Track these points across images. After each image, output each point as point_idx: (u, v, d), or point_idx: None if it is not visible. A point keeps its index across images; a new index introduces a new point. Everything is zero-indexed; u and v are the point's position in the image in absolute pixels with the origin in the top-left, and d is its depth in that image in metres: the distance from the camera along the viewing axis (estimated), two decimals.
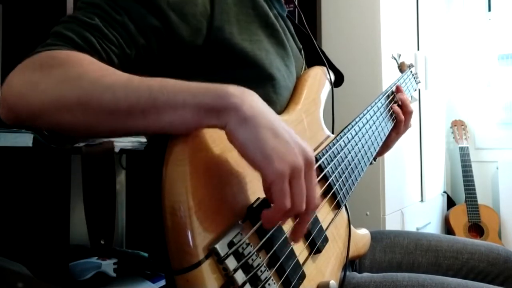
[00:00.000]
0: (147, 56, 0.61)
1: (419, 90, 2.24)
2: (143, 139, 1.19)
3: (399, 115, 1.01)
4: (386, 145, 1.04)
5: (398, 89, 1.05)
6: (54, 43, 0.53)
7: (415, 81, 1.22)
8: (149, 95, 0.48)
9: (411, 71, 1.20)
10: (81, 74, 0.49)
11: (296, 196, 0.48)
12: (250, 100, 0.49)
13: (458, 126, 2.79)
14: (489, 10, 2.87)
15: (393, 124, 1.01)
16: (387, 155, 1.85)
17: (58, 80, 0.49)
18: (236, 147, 0.48)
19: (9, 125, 0.94)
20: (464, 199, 2.65)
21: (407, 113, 1.03)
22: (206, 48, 0.64)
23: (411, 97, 1.17)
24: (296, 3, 1.93)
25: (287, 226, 0.58)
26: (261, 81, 0.69)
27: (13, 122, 0.52)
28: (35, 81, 0.49)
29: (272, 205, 0.49)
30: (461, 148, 2.71)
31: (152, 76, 0.50)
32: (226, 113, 0.47)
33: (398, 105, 1.03)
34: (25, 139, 0.93)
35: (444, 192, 2.75)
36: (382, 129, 0.96)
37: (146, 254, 1.38)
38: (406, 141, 2.07)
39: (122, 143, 1.16)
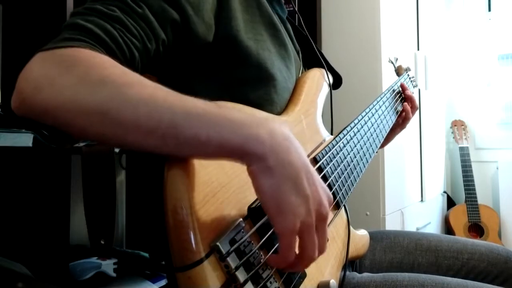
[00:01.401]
0: (163, 52, 0.59)
1: (419, 90, 2.24)
2: None
3: (408, 113, 1.08)
4: (388, 139, 1.10)
5: (403, 88, 1.11)
6: (75, 37, 0.50)
7: (412, 84, 1.23)
8: (171, 120, 0.45)
9: (408, 75, 1.21)
10: (103, 78, 0.45)
11: (307, 248, 0.49)
12: (279, 146, 0.47)
13: (458, 126, 2.79)
14: (489, 10, 2.87)
15: (395, 120, 1.06)
16: (387, 155, 1.85)
17: (78, 81, 0.45)
18: (253, 185, 0.48)
19: (9, 125, 0.94)
20: (464, 199, 2.65)
21: (414, 108, 1.10)
22: (213, 45, 0.64)
23: None
24: (296, 5, 1.93)
25: None
26: (263, 81, 0.69)
27: (25, 115, 0.48)
28: (53, 78, 0.46)
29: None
30: (461, 148, 2.71)
31: (157, 74, 0.49)
32: (250, 158, 0.47)
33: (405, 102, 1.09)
34: (25, 139, 0.93)
35: (444, 192, 2.75)
36: (380, 133, 0.96)
37: (146, 254, 1.38)
38: (406, 141, 2.07)
39: None
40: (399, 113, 1.09)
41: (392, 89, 1.08)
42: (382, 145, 1.11)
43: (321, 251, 0.52)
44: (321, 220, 0.50)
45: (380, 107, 0.99)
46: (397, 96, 1.09)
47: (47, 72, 0.46)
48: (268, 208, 0.47)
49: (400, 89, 1.11)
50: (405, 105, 1.08)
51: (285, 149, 0.48)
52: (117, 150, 1.14)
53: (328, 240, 0.70)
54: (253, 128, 0.47)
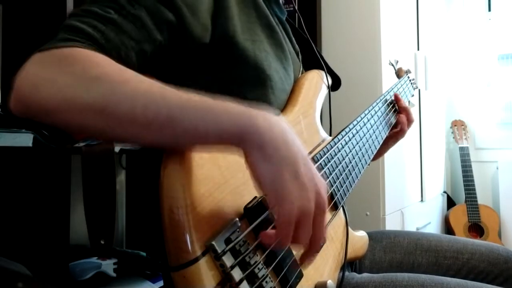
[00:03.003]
0: (159, 53, 0.59)
1: (419, 90, 2.24)
2: None
3: (404, 125, 1.02)
4: (380, 152, 1.04)
5: (397, 99, 1.05)
6: (72, 38, 0.50)
7: (412, 86, 1.22)
8: (168, 113, 0.46)
9: (408, 77, 1.20)
10: (100, 75, 0.47)
11: (301, 237, 0.49)
12: (277, 135, 0.48)
13: (458, 126, 2.79)
14: (489, 10, 2.87)
15: (388, 132, 1.01)
16: (387, 155, 1.85)
17: (75, 80, 0.46)
18: (251, 174, 0.48)
19: (9, 125, 0.94)
20: (464, 199, 2.65)
21: (410, 122, 1.04)
22: (210, 46, 0.64)
23: (409, 102, 1.16)
24: (296, 6, 1.93)
25: None
26: (260, 82, 0.69)
27: (22, 115, 0.49)
28: (51, 77, 0.47)
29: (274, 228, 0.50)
30: (461, 148, 2.71)
31: (154, 74, 0.49)
32: (250, 146, 0.47)
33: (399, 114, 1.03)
34: (25, 139, 0.94)
35: (444, 192, 2.75)
36: (379, 134, 0.96)
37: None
38: (406, 141, 2.07)
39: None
40: (392, 124, 1.02)
41: (385, 97, 1.03)
42: (374, 158, 1.04)
43: (314, 245, 0.51)
44: (320, 209, 0.50)
45: (379, 109, 0.98)
46: (391, 106, 1.04)
47: (46, 71, 0.47)
48: (267, 193, 0.48)
49: (394, 99, 1.05)
50: (400, 117, 1.02)
51: (283, 138, 0.49)
52: (117, 150, 1.14)
53: (325, 241, 0.70)
54: (252, 118, 0.48)
